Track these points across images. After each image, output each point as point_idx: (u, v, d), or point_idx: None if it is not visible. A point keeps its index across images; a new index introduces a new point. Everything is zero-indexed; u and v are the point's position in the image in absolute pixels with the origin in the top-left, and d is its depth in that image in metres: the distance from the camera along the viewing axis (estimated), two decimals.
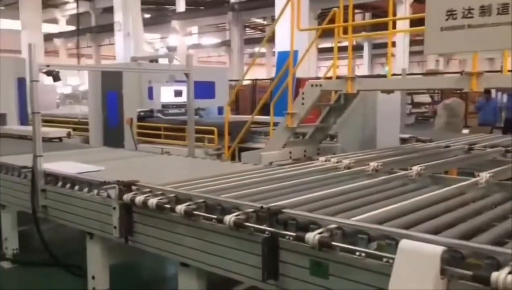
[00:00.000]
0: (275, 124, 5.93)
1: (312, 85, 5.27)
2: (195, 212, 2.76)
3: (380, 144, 5.72)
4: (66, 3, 32.79)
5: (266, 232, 2.40)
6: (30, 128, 7.35)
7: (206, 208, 2.81)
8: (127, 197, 3.14)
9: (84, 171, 3.92)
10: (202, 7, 28.39)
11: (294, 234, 2.26)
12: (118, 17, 13.66)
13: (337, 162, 4.08)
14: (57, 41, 32.83)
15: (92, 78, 9.48)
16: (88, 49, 32.24)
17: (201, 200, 2.83)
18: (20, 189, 4.20)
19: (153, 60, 8.75)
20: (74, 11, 32.50)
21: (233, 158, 7.26)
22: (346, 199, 2.80)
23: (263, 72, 32.42)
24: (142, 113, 9.01)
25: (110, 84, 9.16)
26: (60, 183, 3.89)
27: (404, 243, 1.85)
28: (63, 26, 33.55)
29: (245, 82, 18.54)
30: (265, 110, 7.72)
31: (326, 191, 2.99)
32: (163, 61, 9.17)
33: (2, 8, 31.17)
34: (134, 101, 8.84)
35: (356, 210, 2.51)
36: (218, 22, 29.88)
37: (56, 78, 4.09)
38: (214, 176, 3.56)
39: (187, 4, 27.32)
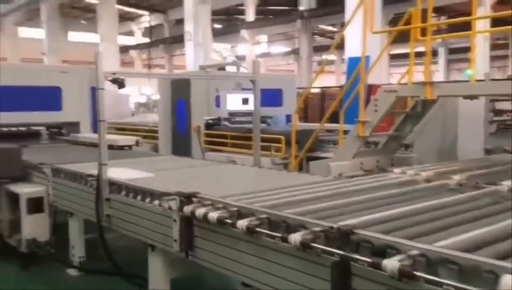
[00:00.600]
0: (345, 132, 5.62)
1: (386, 91, 4.92)
2: (258, 229, 2.54)
3: (462, 155, 5.25)
4: (142, 16, 34.14)
5: (336, 255, 2.13)
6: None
7: (269, 225, 2.59)
8: (187, 209, 2.98)
9: (135, 177, 3.84)
10: (271, 16, 28.42)
11: (369, 260, 1.97)
12: (188, 27, 13.87)
13: (415, 175, 3.73)
14: (132, 53, 34.17)
15: (162, 87, 9.60)
16: (162, 60, 33.26)
17: (265, 216, 2.61)
18: (86, 197, 4.19)
19: (221, 68, 8.70)
20: (149, 24, 33.86)
21: (300, 168, 7.02)
22: (428, 219, 2.47)
23: (332, 79, 31.91)
24: (210, 121, 9.01)
25: (179, 93, 9.23)
26: (123, 192, 3.82)
27: (508, 279, 1.52)
28: (139, 38, 34.95)
29: (314, 90, 18.24)
30: (334, 118, 7.42)
31: (404, 208, 2.67)
32: (230, 69, 9.12)
33: (83, 22, 32.98)
34: (201, 109, 8.84)
35: (441, 233, 2.18)
36: (287, 30, 29.78)
37: (121, 85, 4.06)
38: (279, 188, 3.34)
39: (256, 13, 27.46)
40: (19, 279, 4.72)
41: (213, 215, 2.78)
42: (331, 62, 31.80)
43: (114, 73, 4.06)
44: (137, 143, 6.28)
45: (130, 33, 35.36)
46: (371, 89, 8.28)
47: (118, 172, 4.10)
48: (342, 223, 2.30)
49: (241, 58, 31.70)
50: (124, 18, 35.27)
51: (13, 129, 7.69)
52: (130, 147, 6.55)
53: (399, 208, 2.67)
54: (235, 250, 2.76)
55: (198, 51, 13.18)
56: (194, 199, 3.07)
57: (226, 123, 8.29)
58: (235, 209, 2.79)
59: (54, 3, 20.50)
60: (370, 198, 2.99)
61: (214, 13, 30.50)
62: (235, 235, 2.73)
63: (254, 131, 5.19)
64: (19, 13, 22.69)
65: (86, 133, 7.50)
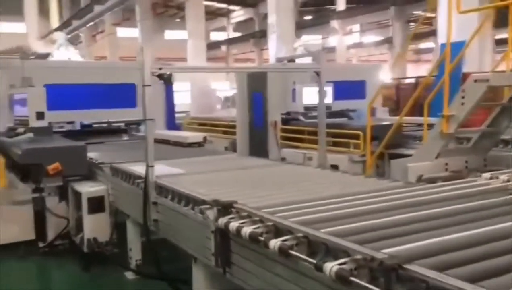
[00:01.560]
0: (431, 126, 4.94)
1: (475, 81, 4.19)
2: (291, 252, 2.10)
3: None
4: (233, 11, 34.51)
5: None
6: (171, 132, 7.47)
7: (308, 246, 2.15)
8: (222, 221, 2.62)
9: (162, 174, 3.57)
10: (362, 5, 27.27)
11: None
12: (271, 19, 13.51)
13: (508, 181, 3.06)
14: (224, 48, 34.67)
15: (239, 80, 9.35)
16: (252, 54, 33.38)
17: (302, 235, 2.17)
18: (136, 199, 4.00)
19: (291, 60, 8.24)
20: (240, 18, 34.15)
21: (380, 166, 6.41)
22: None
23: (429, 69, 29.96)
24: (287, 116, 8.62)
25: (255, 85, 8.93)
26: (169, 196, 3.55)
27: None
28: (230, 33, 35.44)
29: (408, 80, 17.12)
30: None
31: (482, 230, 2.09)
32: (304, 61, 8.62)
33: (178, 20, 34.04)
34: (278, 103, 8.46)
35: None
36: (380, 19, 28.43)
37: (167, 81, 3.80)
38: (335, 197, 2.87)
39: (347, 2, 26.48)
40: (80, 279, 4.68)
41: (246, 230, 2.39)
42: (428, 51, 29.86)
43: (160, 68, 3.79)
44: (204, 140, 6.02)
45: (223, 29, 35.95)
46: (465, 78, 7.38)
47: (164, 170, 3.85)
48: (391, 250, 1.80)
49: (331, 50, 30.86)
50: (216, 14, 35.98)
51: (95, 126, 7.92)
52: (199, 144, 6.33)
53: (475, 229, 2.10)
54: (271, 273, 2.35)
55: (281, 43, 12.79)
56: (233, 209, 2.70)
57: (301, 117, 7.82)
58: (272, 223, 2.38)
59: (147, 3, 21.18)
60: (440, 214, 2.42)
61: (304, 4, 30.01)
62: (270, 255, 2.32)
63: (319, 127, 4.72)
64: (118, 14, 23.75)
65: (159, 130, 7.46)
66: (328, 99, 7.85)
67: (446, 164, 4.50)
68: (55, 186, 5.23)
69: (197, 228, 3.03)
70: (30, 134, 5.62)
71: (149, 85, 3.74)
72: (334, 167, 7.17)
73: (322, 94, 4.59)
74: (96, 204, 4.74)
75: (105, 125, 8.25)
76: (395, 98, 15.31)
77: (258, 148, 9.29)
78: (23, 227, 5.26)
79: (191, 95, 17.04)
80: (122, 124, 8.25)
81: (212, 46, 35.69)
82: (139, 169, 4.11)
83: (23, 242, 5.31)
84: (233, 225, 2.51)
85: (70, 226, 5.18)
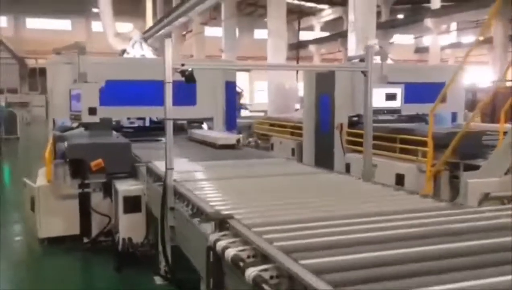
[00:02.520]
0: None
1: None
2: (266, 287, 1.73)
3: None
4: (322, 10, 33.95)
5: None
6: (209, 133, 7.23)
7: (290, 280, 1.77)
8: (212, 238, 2.30)
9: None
10: (459, 2, 25.47)
11: None
12: (351, 17, 12.93)
13: None
14: (311, 48, 34.22)
15: (307, 80, 8.95)
16: (340, 54, 32.59)
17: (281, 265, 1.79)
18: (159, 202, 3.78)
19: (362, 59, 7.66)
20: (329, 18, 33.50)
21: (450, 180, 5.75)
22: None
23: None
24: (355, 118, 8.07)
25: (323, 86, 8.49)
26: (185, 203, 3.29)
27: None
28: (318, 33, 34.94)
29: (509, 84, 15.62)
30: None
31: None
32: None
33: (266, 20, 34.12)
34: (345, 105, 7.95)
35: None
36: (478, 18, 26.39)
37: (189, 78, 3.53)
38: (347, 217, 2.44)
39: (443, 0, 24.90)
40: (110, 279, 4.59)
41: (230, 252, 2.05)
42: None
43: (182, 64, 3.54)
44: (237, 142, 5.71)
45: (310, 28, 35.57)
46: None
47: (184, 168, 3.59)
48: None
49: (423, 50, 29.21)
50: (304, 13, 35.61)
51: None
52: (232, 146, 5.97)
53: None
54: None
55: (359, 42, 12.17)
56: (230, 224, 2.37)
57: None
58: (255, 247, 2.02)
59: (232, 2, 21.32)
60: (470, 249, 1.91)
61: (397, 2, 28.67)
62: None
63: (365, 132, 4.23)
64: (205, 13, 24.23)
65: (203, 130, 7.30)
66: (397, 102, 7.23)
67: None
68: (100, 183, 5.21)
69: (200, 242, 2.74)
70: (81, 129, 5.67)
71: (170, 82, 3.49)
72: (400, 176, 6.56)
73: (368, 96, 4.15)
74: (132, 204, 4.62)
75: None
76: (491, 103, 14.02)
77: (324, 152, 8.83)
78: (69, 221, 5.30)
79: (268, 94, 16.83)
80: (184, 122, 8.23)
81: (300, 45, 35.43)
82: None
83: (69, 236, 5.38)
84: (221, 244, 2.18)
85: (112, 224, 5.13)
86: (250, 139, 12.12)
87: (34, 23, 34.84)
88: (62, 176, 5.52)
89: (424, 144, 6.26)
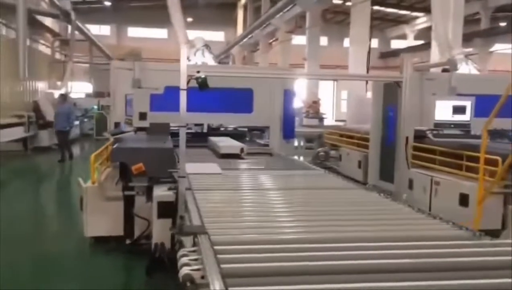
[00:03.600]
0: None
1: None
2: None
3: None
4: (416, 18, 32.60)
5: None
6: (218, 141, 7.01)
7: None
8: (179, 254, 2.20)
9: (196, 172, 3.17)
10: None
11: None
12: (433, 26, 12.23)
13: None
14: (404, 56, 32.98)
15: (375, 90, 8.54)
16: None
17: None
18: None
19: (445, 69, 7.15)
20: (422, 26, 32.03)
21: None
22: None
23: None
24: (427, 132, 7.57)
25: (391, 97, 8.04)
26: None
27: None
28: (411, 41, 33.64)
29: None
30: None
31: None
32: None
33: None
34: (412, 117, 7.44)
35: None
36: None
37: (202, 85, 3.44)
38: (332, 241, 2.21)
39: None
40: (142, 283, 4.64)
41: (182, 272, 1.94)
42: None
43: (198, 71, 3.47)
44: (241, 152, 5.46)
45: (404, 36, 34.42)
46: None
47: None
48: None
49: None
50: (398, 21, 34.43)
51: (222, 129, 8.01)
52: (237, 156, 5.74)
53: None
54: None
55: (442, 51, 11.41)
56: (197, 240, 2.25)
57: (429, 135, 6.74)
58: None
59: (316, 10, 21.13)
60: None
61: (499, 9, 26.66)
62: None
63: (398, 147, 3.86)
64: (291, 21, 24.26)
65: (219, 138, 7.13)
66: (466, 116, 6.66)
67: None
68: (143, 186, 5.31)
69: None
70: (132, 133, 5.84)
71: (185, 89, 3.44)
72: (464, 196, 6.01)
73: (401, 107, 3.76)
74: (166, 209, 4.62)
75: (231, 128, 8.31)
76: None
77: (389, 165, 8.35)
78: (114, 222, 5.46)
79: (347, 104, 16.39)
80: (245, 129, 8.23)
81: (392, 54, 34.27)
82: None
83: (115, 237, 5.55)
84: (182, 260, 2.07)
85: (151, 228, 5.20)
86: (320, 149, 11.85)
87: (135, 32, 37.01)
88: (113, 178, 5.73)
89: (492, 162, 5.68)
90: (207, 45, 8.39)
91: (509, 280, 1.78)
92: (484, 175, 5.82)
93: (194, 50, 8.49)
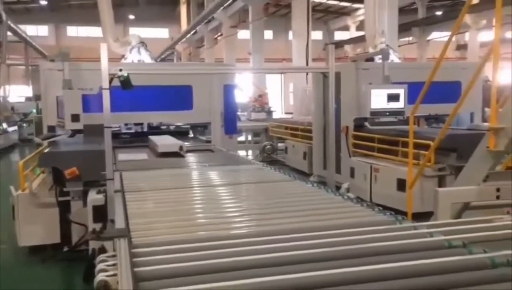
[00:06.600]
0: None
1: None
2: None
3: None
4: (357, 9, 33.27)
5: None
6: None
7: None
8: (98, 258, 2.11)
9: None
10: None
11: None
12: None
13: None
14: (347, 47, 33.61)
15: (315, 81, 8.66)
16: None
17: None
18: None
19: (369, 58, 7.30)
20: (363, 17, 32.74)
21: None
22: None
23: None
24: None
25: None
26: None
27: None
28: (353, 32, 34.29)
29: None
30: None
31: None
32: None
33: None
34: (350, 107, 7.60)
35: None
36: None
37: (125, 84, 3.35)
38: (254, 235, 2.18)
39: None
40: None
41: (98, 278, 1.86)
42: None
43: (120, 69, 3.36)
44: (180, 149, 5.39)
45: (347, 28, 35.10)
46: None
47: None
48: None
49: (464, 48, 27.94)
50: (340, 13, 35.05)
51: (163, 128, 7.84)
52: (177, 154, 5.62)
53: None
54: None
55: (369, 40, 11.68)
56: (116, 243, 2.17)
57: (366, 124, 6.89)
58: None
59: (258, 4, 21.14)
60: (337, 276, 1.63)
61: None
62: None
63: (314, 134, 3.90)
64: (235, 16, 24.19)
65: (156, 137, 6.96)
66: (400, 103, 6.85)
67: (498, 190, 3.41)
68: (79, 191, 5.13)
69: None
70: (64, 136, 5.62)
71: (107, 88, 3.33)
72: (401, 181, 6.17)
73: (329, 97, 3.81)
74: (100, 212, 4.49)
75: (172, 127, 8.16)
76: None
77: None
78: (50, 230, 5.25)
79: (293, 96, 16.54)
80: (188, 126, 8.10)
81: (336, 45, 34.76)
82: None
83: (51, 245, 5.34)
84: (99, 266, 1.99)
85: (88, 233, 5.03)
86: (266, 143, 11.89)
87: (74, 31, 35.84)
88: (48, 184, 5.50)
89: (425, 147, 5.86)
90: (143, 43, 8.21)
91: (426, 261, 1.82)
92: (418, 159, 6.02)
93: (129, 47, 8.29)
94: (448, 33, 22.09)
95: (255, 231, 2.30)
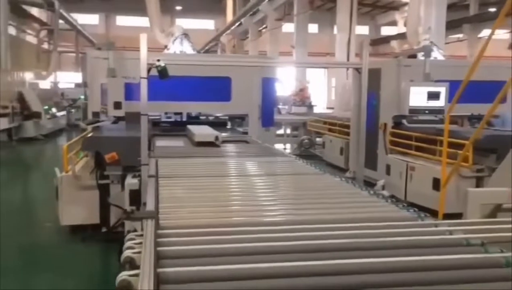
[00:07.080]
0: None
1: None
2: None
3: None
4: (406, 4, 32.52)
5: None
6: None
7: None
8: (126, 237, 2.24)
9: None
10: None
11: None
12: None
13: None
14: (393, 43, 32.97)
15: (355, 77, 8.58)
16: None
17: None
18: None
19: (411, 55, 7.20)
20: None
21: None
22: None
23: None
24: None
25: (371, 84, 8.09)
26: None
27: None
28: (401, 28, 33.56)
29: None
30: None
31: None
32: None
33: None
34: (390, 104, 7.53)
35: None
36: None
37: (162, 73, 3.47)
38: (275, 224, 2.26)
39: None
40: (110, 269, 4.69)
41: (125, 253, 1.99)
42: None
43: (158, 60, 3.49)
44: (216, 139, 5.46)
45: (393, 23, 34.39)
46: None
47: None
48: None
49: None
50: (388, 8, 34.35)
51: (202, 118, 8.00)
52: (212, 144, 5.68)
53: None
54: None
55: (412, 37, 11.42)
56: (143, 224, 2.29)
57: (404, 121, 6.81)
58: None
59: None
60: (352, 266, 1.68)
61: None
62: None
63: (352, 131, 3.92)
64: (280, 9, 24.15)
65: (194, 127, 7.06)
66: (440, 101, 6.73)
67: None
68: (118, 175, 5.34)
69: None
70: (107, 122, 5.85)
71: (146, 78, 3.46)
72: (437, 181, 6.09)
73: (361, 93, 3.83)
74: (137, 196, 4.67)
75: (211, 118, 8.31)
76: None
77: (369, 152, 8.44)
78: (90, 211, 5.50)
79: (335, 92, 16.43)
80: (226, 117, 8.23)
81: (383, 41, 34.13)
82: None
83: (91, 225, 5.59)
84: (127, 244, 2.12)
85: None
86: (304, 137, 11.91)
87: (123, 20, 36.72)
88: (90, 167, 5.75)
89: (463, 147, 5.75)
90: (186, 34, 8.37)
91: (438, 257, 1.85)
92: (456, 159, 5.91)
93: (172, 38, 8.47)
94: (501, 31, 21.16)
95: (279, 220, 2.38)
